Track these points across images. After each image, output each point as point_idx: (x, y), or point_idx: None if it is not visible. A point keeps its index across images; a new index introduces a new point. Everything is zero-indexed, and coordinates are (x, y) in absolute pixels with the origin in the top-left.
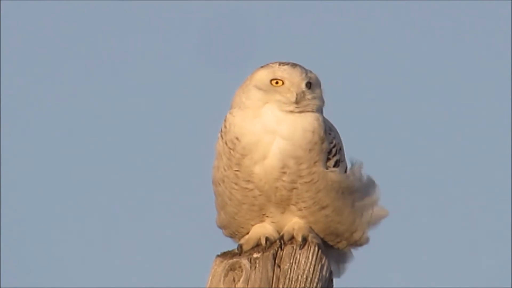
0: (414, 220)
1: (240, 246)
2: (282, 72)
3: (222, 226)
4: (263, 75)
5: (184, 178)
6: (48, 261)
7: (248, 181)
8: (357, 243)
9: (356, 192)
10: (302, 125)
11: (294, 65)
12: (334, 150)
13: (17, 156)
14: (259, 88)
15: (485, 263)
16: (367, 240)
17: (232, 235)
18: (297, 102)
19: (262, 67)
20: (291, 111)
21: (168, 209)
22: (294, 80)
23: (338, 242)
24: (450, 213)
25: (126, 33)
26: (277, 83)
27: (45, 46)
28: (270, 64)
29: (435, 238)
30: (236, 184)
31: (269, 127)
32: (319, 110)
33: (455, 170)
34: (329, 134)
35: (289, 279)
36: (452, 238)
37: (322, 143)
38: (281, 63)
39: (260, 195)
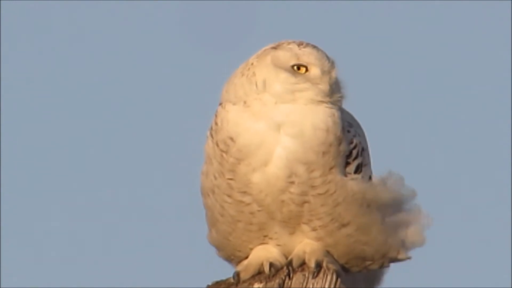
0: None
1: (237, 274)
2: (308, 56)
3: (215, 246)
4: (282, 58)
5: (167, 184)
6: (47, 261)
7: (245, 192)
8: (394, 260)
9: (387, 206)
10: (313, 120)
11: (315, 47)
12: (354, 152)
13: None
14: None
15: (486, 263)
16: (406, 258)
17: (228, 259)
18: (330, 94)
19: (274, 47)
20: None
21: (145, 223)
22: (324, 66)
23: (369, 265)
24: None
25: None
26: (299, 69)
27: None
28: (285, 44)
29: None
30: (229, 196)
31: (276, 122)
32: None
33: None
34: (348, 132)
35: None
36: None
37: (339, 144)
38: (300, 44)
39: (259, 210)
